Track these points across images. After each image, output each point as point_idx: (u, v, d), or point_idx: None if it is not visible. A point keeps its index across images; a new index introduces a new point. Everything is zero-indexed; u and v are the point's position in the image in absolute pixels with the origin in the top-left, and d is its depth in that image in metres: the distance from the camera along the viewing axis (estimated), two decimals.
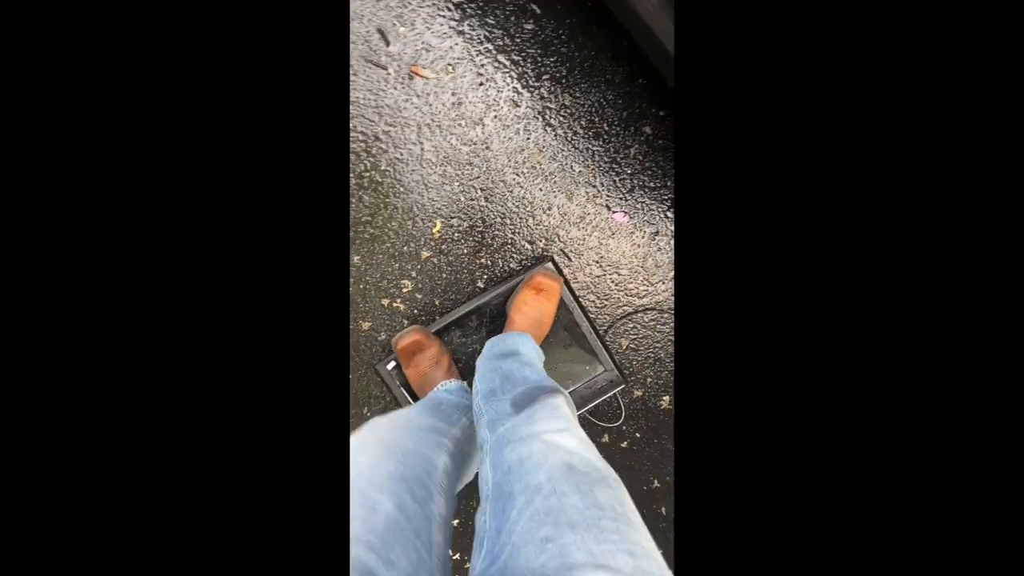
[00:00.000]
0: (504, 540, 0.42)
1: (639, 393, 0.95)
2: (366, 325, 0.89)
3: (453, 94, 0.82)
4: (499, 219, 0.87)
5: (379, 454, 0.53)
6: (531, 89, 0.83)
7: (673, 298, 0.91)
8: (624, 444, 0.98)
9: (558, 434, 0.52)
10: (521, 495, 0.45)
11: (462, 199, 0.86)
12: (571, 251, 0.89)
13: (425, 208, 0.86)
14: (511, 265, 0.89)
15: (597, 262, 0.89)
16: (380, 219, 0.86)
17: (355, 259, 0.87)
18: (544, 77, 0.83)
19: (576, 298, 0.89)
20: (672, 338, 0.93)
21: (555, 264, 0.88)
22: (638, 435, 0.97)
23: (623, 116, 0.85)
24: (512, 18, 0.81)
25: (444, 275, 0.88)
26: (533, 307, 0.83)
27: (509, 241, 0.88)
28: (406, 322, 0.89)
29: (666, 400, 0.96)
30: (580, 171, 0.86)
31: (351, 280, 0.88)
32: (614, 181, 0.87)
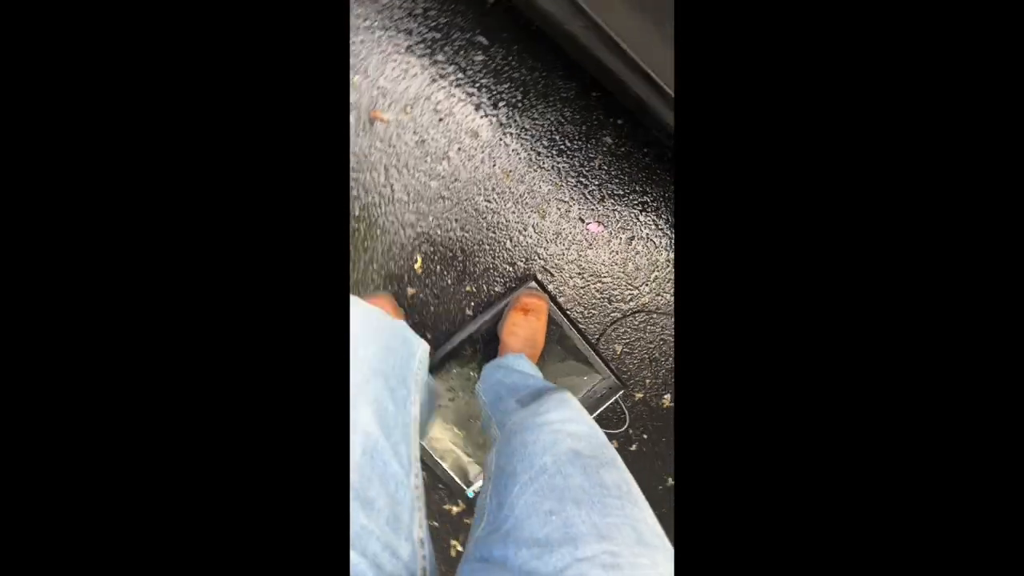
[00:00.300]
0: (506, 513, 0.41)
1: (640, 395, 0.96)
2: None
3: (415, 133, 0.84)
4: (477, 246, 0.89)
5: (355, 331, 0.46)
6: (490, 118, 0.85)
7: (659, 298, 0.93)
8: (633, 448, 0.99)
9: (567, 423, 0.50)
10: (525, 473, 0.43)
11: (438, 232, 0.88)
12: (552, 267, 0.90)
13: (404, 247, 0.87)
14: (496, 289, 0.90)
15: (579, 274, 0.91)
16: (361, 263, 0.87)
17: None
18: (501, 104, 0.85)
19: (564, 312, 0.90)
20: (664, 337, 0.95)
21: (538, 282, 0.89)
22: (645, 436, 0.98)
23: (582, 130, 0.87)
24: (461, 52, 0.83)
25: (432, 308, 0.90)
26: (523, 328, 0.84)
27: (491, 266, 0.89)
28: None
29: (667, 398, 0.97)
30: (549, 189, 0.88)
31: None
32: (583, 194, 0.88)
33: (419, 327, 0.90)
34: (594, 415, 0.91)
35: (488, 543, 0.39)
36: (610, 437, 0.97)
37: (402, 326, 0.56)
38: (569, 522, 0.37)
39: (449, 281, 0.89)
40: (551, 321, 0.89)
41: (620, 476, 0.43)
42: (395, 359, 0.50)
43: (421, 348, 0.56)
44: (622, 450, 0.98)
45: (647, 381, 0.96)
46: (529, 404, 0.57)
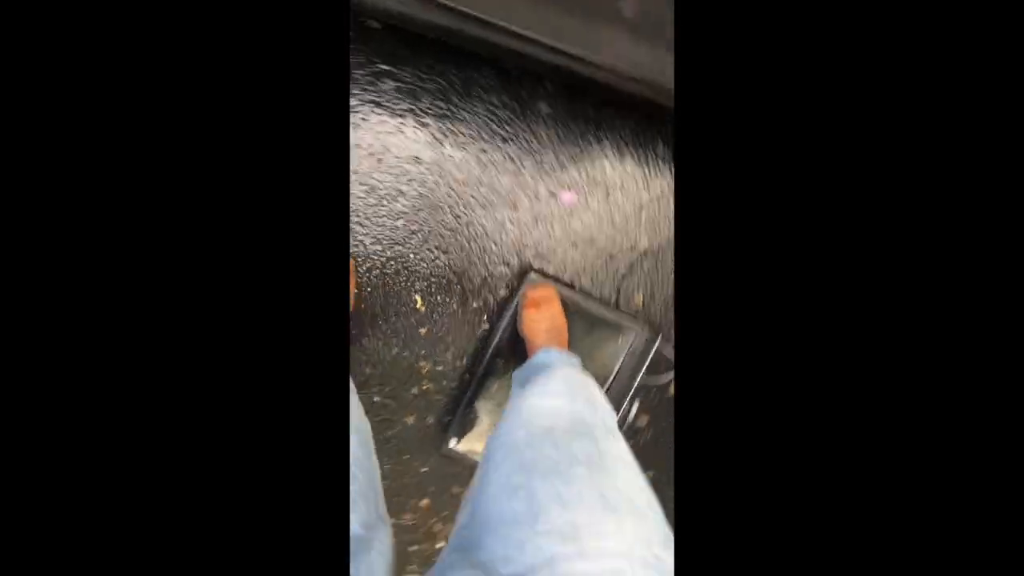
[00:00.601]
0: (480, 493, 0.41)
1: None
2: (410, 420, 0.90)
3: (360, 184, 0.83)
4: (466, 262, 0.88)
5: None
6: (424, 137, 0.83)
7: (657, 236, 0.91)
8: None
9: (547, 397, 0.50)
10: (499, 451, 0.44)
11: (424, 266, 0.87)
12: (544, 251, 0.89)
13: (398, 293, 0.87)
14: (501, 293, 0.89)
15: (573, 246, 0.89)
16: (365, 323, 0.87)
17: (366, 370, 0.88)
18: (428, 120, 0.83)
19: (572, 287, 0.89)
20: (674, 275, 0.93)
21: (537, 271, 0.88)
22: None
23: (516, 109, 0.84)
24: (370, 85, 0.81)
25: (449, 337, 0.89)
26: (540, 320, 0.83)
27: (486, 275, 0.88)
28: (442, 398, 0.90)
29: None
30: (509, 180, 0.86)
31: (368, 405, 0.89)
32: (543, 170, 0.87)
33: (446, 362, 0.89)
34: (643, 371, 0.90)
35: (463, 534, 0.40)
36: (669, 384, 0.96)
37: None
38: (533, 495, 0.36)
39: (455, 306, 0.88)
40: (565, 300, 0.88)
41: (594, 446, 0.42)
42: (357, 422, 0.54)
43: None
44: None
45: None
46: (524, 385, 0.58)
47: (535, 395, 0.53)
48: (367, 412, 0.90)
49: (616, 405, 0.90)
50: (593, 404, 0.51)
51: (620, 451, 0.44)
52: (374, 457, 0.54)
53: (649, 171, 0.89)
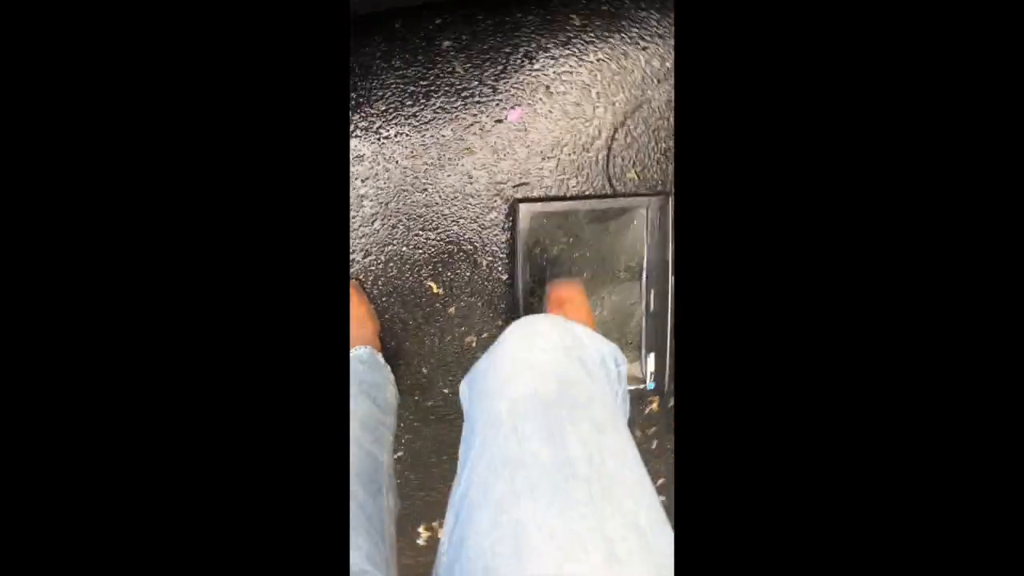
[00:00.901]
0: (462, 492, 0.35)
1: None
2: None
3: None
4: (455, 227, 0.86)
5: None
6: (353, 133, 0.81)
7: (619, 100, 0.85)
8: None
9: (532, 350, 0.40)
10: (479, 423, 0.37)
11: (420, 251, 0.85)
12: (519, 176, 0.85)
13: (411, 288, 0.86)
14: (504, 239, 0.87)
15: (545, 158, 0.85)
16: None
17: (423, 371, 0.89)
18: (356, 135, 0.80)
19: (564, 198, 0.85)
20: (656, 127, 0.87)
21: (522, 201, 0.85)
22: None
23: (422, 63, 0.80)
24: None
25: (479, 303, 0.88)
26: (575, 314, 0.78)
27: (480, 229, 0.86)
28: None
29: None
30: (448, 136, 0.82)
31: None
32: (476, 104, 0.82)
33: (488, 326, 0.89)
34: (670, 236, 0.86)
35: (446, 552, 0.34)
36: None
37: (369, 436, 0.59)
38: (521, 529, 0.29)
39: (468, 274, 0.87)
40: (563, 213, 0.84)
41: (595, 436, 0.34)
42: (363, 466, 0.53)
43: (386, 457, 0.59)
44: None
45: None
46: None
47: (512, 334, 0.43)
48: (441, 408, 0.91)
49: (660, 285, 0.87)
50: (586, 367, 0.41)
51: (621, 443, 0.36)
52: (384, 497, 0.53)
53: (576, 48, 0.83)
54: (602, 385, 0.41)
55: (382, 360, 0.79)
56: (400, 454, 0.92)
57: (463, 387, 0.47)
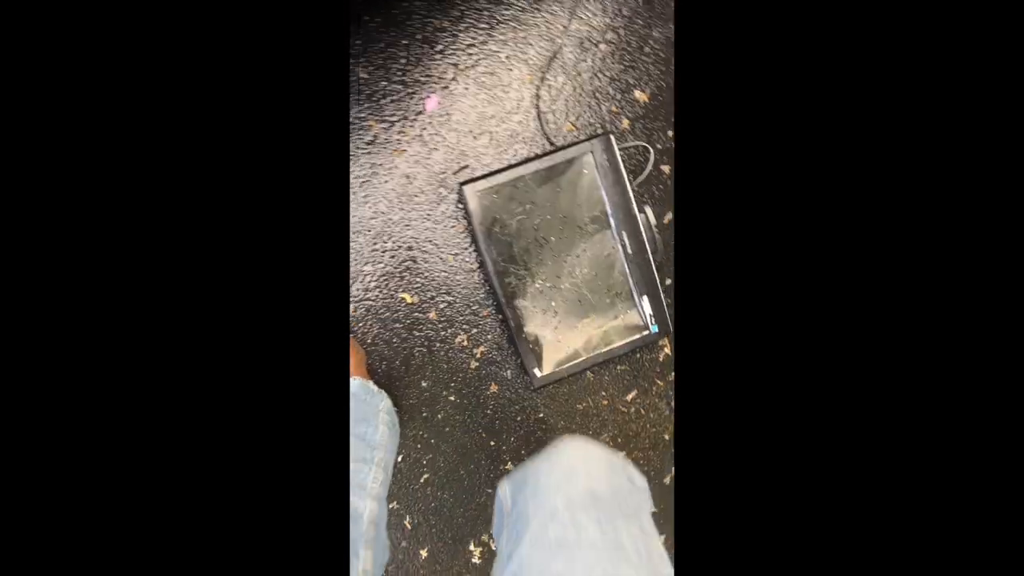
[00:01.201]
0: (513, 570, 0.38)
1: (626, 122, 0.88)
2: (493, 388, 0.87)
3: None
4: (407, 231, 0.83)
5: None
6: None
7: (530, 49, 0.83)
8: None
9: (586, 461, 0.46)
10: (536, 517, 0.41)
11: (382, 266, 0.83)
12: (457, 161, 0.83)
13: (387, 305, 0.83)
14: (462, 225, 0.84)
15: (472, 135, 0.83)
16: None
17: (423, 384, 0.86)
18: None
19: (508, 168, 0.83)
20: (590, 64, 0.85)
21: (466, 183, 0.82)
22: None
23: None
24: None
25: (457, 298, 0.85)
26: None
27: (434, 226, 0.84)
28: (499, 349, 0.87)
29: (640, 94, 0.87)
30: (371, 136, 0.81)
31: None
32: (392, 102, 0.81)
33: (473, 319, 0.86)
34: (623, 175, 0.83)
35: None
36: (654, 176, 0.88)
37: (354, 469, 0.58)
38: None
39: (437, 271, 0.84)
40: (510, 183, 0.81)
41: (641, 531, 0.39)
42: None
43: (369, 504, 0.56)
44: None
45: (614, 107, 0.87)
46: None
47: (565, 443, 0.49)
48: (454, 417, 0.87)
49: (630, 225, 0.84)
50: (632, 481, 0.48)
51: (662, 550, 0.41)
52: (359, 558, 0.50)
53: (472, 19, 0.82)
54: (646, 497, 0.47)
55: (375, 388, 0.75)
56: (427, 476, 0.88)
57: (505, 485, 0.50)
